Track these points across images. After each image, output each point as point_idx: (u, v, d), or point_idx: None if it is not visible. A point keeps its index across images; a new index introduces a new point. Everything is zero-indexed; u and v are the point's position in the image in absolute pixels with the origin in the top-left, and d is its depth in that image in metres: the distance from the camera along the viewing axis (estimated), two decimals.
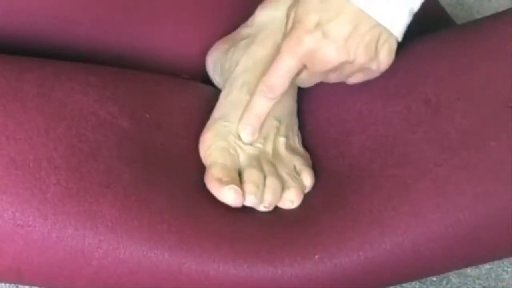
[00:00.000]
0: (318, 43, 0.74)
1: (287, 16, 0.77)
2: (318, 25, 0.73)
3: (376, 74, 0.77)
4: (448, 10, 1.01)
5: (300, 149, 0.82)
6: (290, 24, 0.76)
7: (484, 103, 0.77)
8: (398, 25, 0.74)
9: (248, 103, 0.79)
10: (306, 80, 0.79)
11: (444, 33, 0.86)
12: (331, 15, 0.73)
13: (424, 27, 0.83)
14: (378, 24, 0.73)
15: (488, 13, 0.87)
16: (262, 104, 0.78)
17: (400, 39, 0.75)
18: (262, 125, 0.79)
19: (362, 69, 0.76)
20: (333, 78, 0.78)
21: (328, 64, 0.75)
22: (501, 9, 0.87)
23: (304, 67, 0.76)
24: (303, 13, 0.74)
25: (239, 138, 0.79)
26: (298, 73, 0.77)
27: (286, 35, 0.76)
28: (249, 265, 0.73)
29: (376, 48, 0.74)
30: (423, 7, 0.75)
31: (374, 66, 0.75)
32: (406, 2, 0.73)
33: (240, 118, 0.79)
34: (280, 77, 0.76)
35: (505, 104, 0.76)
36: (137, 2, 0.88)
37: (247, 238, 0.74)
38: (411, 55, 0.82)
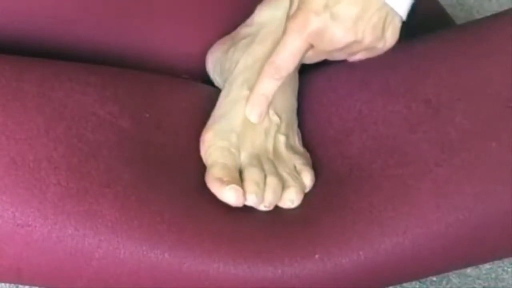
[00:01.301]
0: (326, 24, 0.74)
1: None
2: (326, 7, 0.74)
3: (380, 52, 0.78)
4: (448, 10, 1.01)
5: (300, 148, 0.82)
6: (295, 5, 0.76)
7: (484, 103, 0.77)
8: (403, 4, 0.74)
9: (254, 85, 0.79)
10: (311, 58, 0.79)
11: (444, 33, 0.86)
12: None
13: (424, 27, 0.83)
14: (385, 5, 0.74)
15: (488, 13, 0.87)
16: (269, 85, 0.78)
17: (404, 18, 0.76)
18: (269, 106, 0.79)
19: (368, 48, 0.77)
20: (337, 56, 0.79)
21: (336, 45, 0.76)
22: (501, 9, 0.87)
23: (311, 46, 0.76)
24: None
25: (240, 136, 0.79)
26: (305, 52, 0.77)
27: (291, 15, 0.76)
28: (249, 265, 0.73)
29: (383, 28, 0.75)
30: (423, 7, 0.75)
31: (380, 45, 0.77)
32: None
33: (248, 100, 0.79)
34: (287, 57, 0.77)
35: (505, 104, 0.76)
36: (137, 2, 0.88)
37: (247, 238, 0.74)
38: (412, 55, 0.82)
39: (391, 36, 0.77)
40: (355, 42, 0.76)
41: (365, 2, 0.74)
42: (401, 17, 0.76)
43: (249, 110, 0.79)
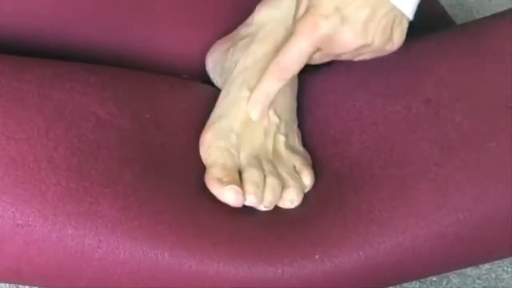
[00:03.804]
0: (336, 28, 0.73)
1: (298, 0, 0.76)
2: (336, 9, 0.73)
3: (387, 53, 0.77)
4: (448, 10, 1.01)
5: (300, 148, 0.82)
6: (303, 8, 0.75)
7: (484, 103, 0.77)
8: (410, 6, 0.74)
9: (258, 83, 0.79)
10: (318, 59, 0.79)
11: (444, 33, 0.86)
12: None
13: (424, 27, 0.83)
14: (394, 7, 0.73)
15: (488, 13, 0.87)
16: (272, 84, 0.78)
17: (411, 19, 0.75)
18: (270, 105, 0.79)
19: (376, 50, 0.76)
20: (344, 57, 0.78)
21: (346, 49, 0.75)
22: (501, 9, 0.87)
23: (318, 49, 0.76)
24: None
25: (239, 137, 0.79)
26: (311, 55, 0.77)
27: (299, 18, 0.75)
28: (249, 265, 0.73)
29: (391, 30, 0.74)
30: (423, 7, 0.75)
31: (388, 47, 0.76)
32: None
33: (250, 97, 0.79)
34: (294, 60, 0.76)
35: (505, 104, 0.76)
36: (137, 2, 0.88)
37: (247, 238, 0.74)
38: (411, 55, 0.82)
39: (399, 37, 0.75)
40: (365, 45, 0.75)
41: (375, 5, 0.73)
42: (408, 18, 0.75)
43: (250, 107, 0.79)
